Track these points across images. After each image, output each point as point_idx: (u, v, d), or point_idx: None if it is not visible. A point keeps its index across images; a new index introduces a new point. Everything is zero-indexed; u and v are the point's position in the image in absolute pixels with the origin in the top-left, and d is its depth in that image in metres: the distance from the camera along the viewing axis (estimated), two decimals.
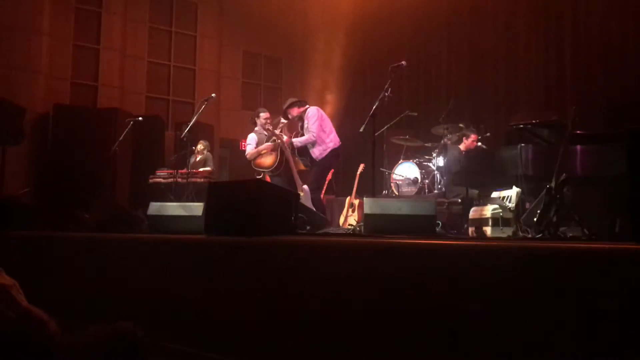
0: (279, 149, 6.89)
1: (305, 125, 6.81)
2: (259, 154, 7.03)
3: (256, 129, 7.27)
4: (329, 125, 6.91)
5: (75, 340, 1.82)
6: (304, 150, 7.08)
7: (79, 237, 5.21)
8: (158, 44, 11.97)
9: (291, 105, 6.94)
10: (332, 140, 6.76)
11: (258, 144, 7.09)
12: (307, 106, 6.96)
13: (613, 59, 7.98)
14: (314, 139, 6.70)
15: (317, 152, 6.74)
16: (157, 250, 4.28)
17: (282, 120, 7.07)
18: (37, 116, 9.77)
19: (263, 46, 13.21)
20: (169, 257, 4.17)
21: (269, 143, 6.98)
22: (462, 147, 7.52)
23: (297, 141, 6.82)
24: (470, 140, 7.47)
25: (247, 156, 7.14)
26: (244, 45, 13.07)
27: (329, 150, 6.72)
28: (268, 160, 7.01)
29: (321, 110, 6.97)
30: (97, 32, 11.03)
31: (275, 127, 7.10)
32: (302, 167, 7.07)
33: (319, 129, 6.71)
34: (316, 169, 6.80)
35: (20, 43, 9.82)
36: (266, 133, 7.05)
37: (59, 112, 9.96)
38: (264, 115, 7.26)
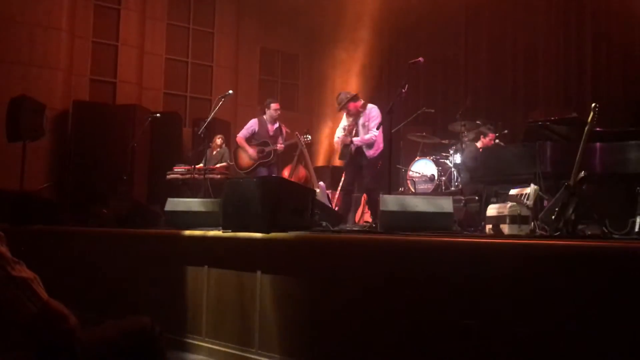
0: (255, 163, 7.25)
1: (364, 122, 6.54)
2: (244, 149, 7.33)
3: (264, 117, 7.41)
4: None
5: (95, 334, 1.84)
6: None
7: (97, 232, 5.27)
8: (176, 40, 12.03)
9: (354, 99, 6.61)
10: (382, 141, 6.59)
11: (255, 134, 7.36)
12: (362, 101, 6.70)
13: (634, 54, 7.87)
14: (375, 139, 6.47)
15: (371, 152, 6.51)
16: (175, 246, 4.31)
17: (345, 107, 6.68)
18: (56, 112, 9.87)
19: (280, 42, 13.21)
20: (186, 253, 4.20)
21: (268, 149, 7.25)
22: (479, 144, 7.47)
23: (359, 141, 6.52)
24: (487, 139, 7.42)
25: (237, 139, 7.39)
26: (261, 42, 13.08)
27: (379, 150, 6.53)
28: (246, 161, 7.38)
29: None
30: (115, 28, 11.11)
31: (291, 137, 7.27)
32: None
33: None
34: (372, 170, 6.54)
35: (40, 40, 9.92)
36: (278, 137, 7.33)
37: (78, 108, 10.05)
38: (274, 105, 7.42)
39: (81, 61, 10.64)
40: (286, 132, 7.71)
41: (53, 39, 10.11)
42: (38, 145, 8.57)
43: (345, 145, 6.52)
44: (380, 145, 6.54)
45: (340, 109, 6.68)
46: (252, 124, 7.47)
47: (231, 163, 8.75)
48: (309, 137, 7.58)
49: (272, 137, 7.50)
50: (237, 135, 7.44)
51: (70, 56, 10.44)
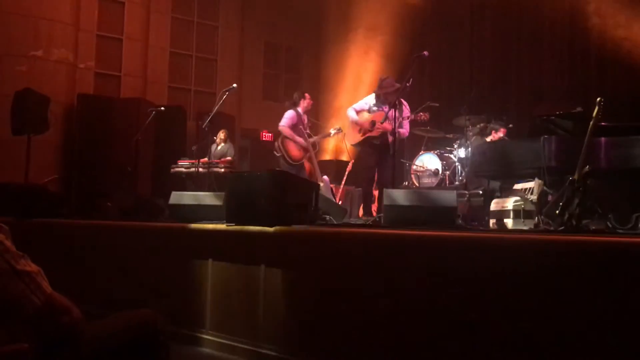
0: (307, 153, 7.05)
1: (401, 111, 6.16)
2: (294, 141, 7.05)
3: (298, 109, 7.27)
4: None
5: (98, 327, 1.85)
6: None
7: (102, 225, 5.29)
8: (180, 34, 12.03)
9: (396, 86, 6.23)
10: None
11: (294, 125, 7.09)
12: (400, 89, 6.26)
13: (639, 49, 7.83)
14: (407, 134, 6.46)
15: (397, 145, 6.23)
16: (179, 239, 4.32)
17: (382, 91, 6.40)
18: (61, 106, 9.89)
19: (284, 36, 13.20)
20: (190, 246, 4.21)
21: (313, 140, 7.15)
22: (489, 139, 7.46)
23: (403, 132, 6.29)
24: (499, 134, 7.41)
25: (282, 129, 7.07)
26: (266, 36, 13.07)
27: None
28: (296, 152, 7.07)
29: None
30: (120, 22, 11.11)
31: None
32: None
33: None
34: (391, 158, 6.06)
35: (44, 33, 9.92)
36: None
37: (82, 101, 10.07)
38: (308, 96, 7.38)
39: (86, 54, 10.65)
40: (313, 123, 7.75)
41: (58, 32, 10.11)
42: (43, 139, 8.59)
43: (375, 137, 6.30)
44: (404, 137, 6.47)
45: (384, 94, 6.35)
46: (292, 115, 7.18)
47: (234, 157, 8.76)
48: (338, 128, 7.50)
49: (307, 128, 7.38)
50: (280, 125, 7.11)
51: (75, 49, 10.44)
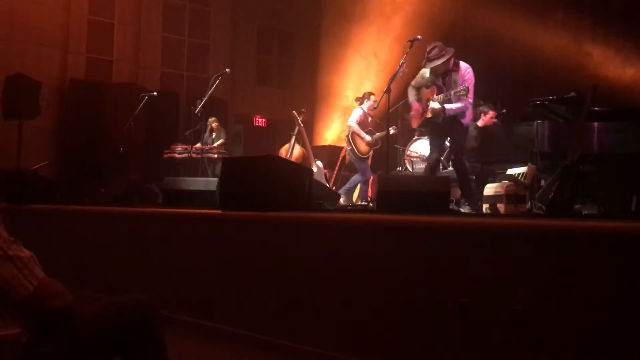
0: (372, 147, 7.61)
1: (456, 82, 5.46)
2: (360, 136, 7.56)
3: (363, 106, 7.76)
4: None
5: (91, 312, 1.84)
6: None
7: (94, 210, 5.27)
8: (172, 18, 11.93)
9: (448, 61, 5.46)
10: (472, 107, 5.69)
11: (361, 122, 7.65)
12: (451, 57, 5.50)
13: (633, 34, 7.83)
14: (469, 106, 5.49)
15: (467, 119, 5.57)
16: (172, 225, 4.32)
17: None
18: (53, 91, 9.82)
19: (277, 21, 13.12)
20: (183, 232, 4.21)
21: (376, 136, 7.58)
22: (479, 123, 7.45)
23: (451, 108, 5.40)
24: (488, 116, 7.39)
25: (351, 126, 7.68)
26: (258, 20, 12.99)
27: (471, 116, 5.70)
28: (363, 147, 7.59)
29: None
30: (112, 6, 11.00)
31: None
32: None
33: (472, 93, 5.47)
34: (462, 135, 5.62)
35: (36, 17, 9.83)
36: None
37: (74, 86, 10.02)
38: (374, 97, 7.76)
39: (77, 39, 10.56)
40: (379, 125, 8.04)
41: (48, 15, 10.02)
42: (34, 124, 8.54)
43: (434, 115, 5.48)
44: (471, 110, 5.62)
45: (431, 65, 5.52)
46: (359, 113, 7.74)
47: (226, 140, 8.75)
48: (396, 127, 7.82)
49: (372, 126, 7.90)
50: (349, 122, 7.78)
51: (66, 34, 10.35)
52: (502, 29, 9.37)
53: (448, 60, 5.40)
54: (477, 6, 9.93)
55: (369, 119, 7.82)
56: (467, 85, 5.27)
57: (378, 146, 7.70)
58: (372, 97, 7.82)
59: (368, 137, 7.59)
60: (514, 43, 9.28)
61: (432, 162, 5.70)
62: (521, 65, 9.21)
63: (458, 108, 5.38)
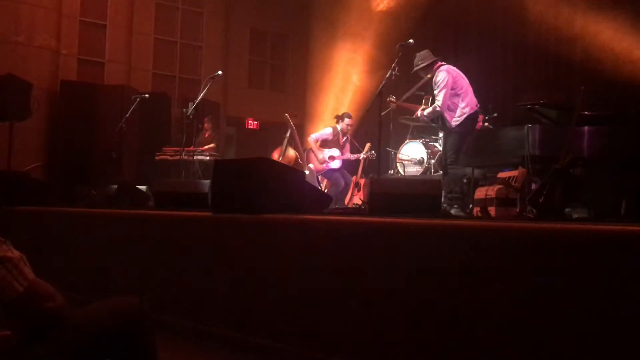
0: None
1: (432, 87, 5.85)
2: (314, 154, 7.81)
3: (337, 126, 7.97)
4: (465, 87, 5.91)
5: (82, 313, 1.84)
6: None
7: (85, 212, 5.25)
8: (165, 20, 11.90)
9: (428, 67, 5.88)
10: (468, 104, 5.85)
11: (328, 141, 7.87)
12: (439, 64, 5.90)
13: (623, 38, 7.88)
14: (439, 110, 5.77)
15: (450, 120, 5.84)
16: (162, 227, 4.30)
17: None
18: (44, 92, 9.76)
19: (270, 23, 13.11)
20: (174, 234, 4.20)
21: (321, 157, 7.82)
22: None
23: (424, 116, 5.94)
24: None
25: (310, 140, 7.92)
26: (251, 22, 12.98)
27: (464, 116, 5.81)
28: (316, 164, 7.86)
29: (455, 71, 5.95)
30: (103, 7, 10.96)
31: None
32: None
33: (446, 97, 5.74)
34: (452, 137, 5.88)
35: (27, 18, 9.77)
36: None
37: (66, 88, 9.95)
38: (348, 120, 7.99)
39: (69, 40, 10.51)
40: (355, 146, 8.27)
41: (39, 16, 9.96)
42: (25, 126, 8.50)
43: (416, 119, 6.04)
44: (463, 111, 5.79)
45: (415, 70, 6.02)
46: (327, 132, 7.96)
47: (217, 143, 8.76)
48: (374, 152, 7.90)
49: (340, 147, 8.03)
50: (311, 135, 7.98)
51: (58, 35, 10.30)
52: (494, 30, 9.43)
53: (429, 66, 5.79)
54: (469, 10, 9.98)
55: (344, 138, 7.98)
56: (436, 89, 5.68)
57: (336, 167, 7.91)
58: (347, 119, 7.98)
59: (320, 156, 7.80)
60: (506, 45, 9.33)
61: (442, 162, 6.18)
62: (512, 68, 9.25)
63: (429, 114, 5.86)
